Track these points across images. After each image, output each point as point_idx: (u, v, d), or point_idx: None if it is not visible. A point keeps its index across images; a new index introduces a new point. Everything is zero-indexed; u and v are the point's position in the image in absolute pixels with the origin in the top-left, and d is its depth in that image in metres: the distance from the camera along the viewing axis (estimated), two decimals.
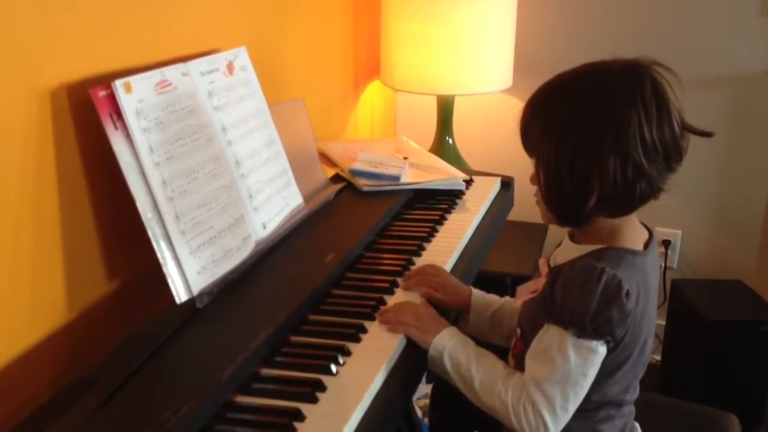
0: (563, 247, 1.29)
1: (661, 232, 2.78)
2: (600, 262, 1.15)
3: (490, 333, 1.43)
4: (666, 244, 2.77)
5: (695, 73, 2.59)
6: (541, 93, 1.22)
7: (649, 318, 1.22)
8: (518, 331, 1.31)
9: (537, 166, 1.23)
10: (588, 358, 1.14)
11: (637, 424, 1.35)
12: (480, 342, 1.30)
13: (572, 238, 1.27)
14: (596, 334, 1.13)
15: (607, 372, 1.19)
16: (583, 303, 1.12)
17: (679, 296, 2.58)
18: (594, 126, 1.14)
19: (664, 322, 2.73)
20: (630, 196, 1.16)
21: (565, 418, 1.16)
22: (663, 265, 2.78)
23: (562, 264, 1.22)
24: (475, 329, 1.44)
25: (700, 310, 2.44)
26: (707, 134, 1.19)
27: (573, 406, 1.16)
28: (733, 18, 2.53)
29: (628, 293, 1.13)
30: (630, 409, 1.31)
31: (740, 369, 2.42)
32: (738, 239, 2.73)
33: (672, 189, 1.20)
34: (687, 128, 1.17)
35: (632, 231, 1.23)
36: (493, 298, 1.47)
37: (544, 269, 1.30)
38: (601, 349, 1.15)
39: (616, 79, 1.15)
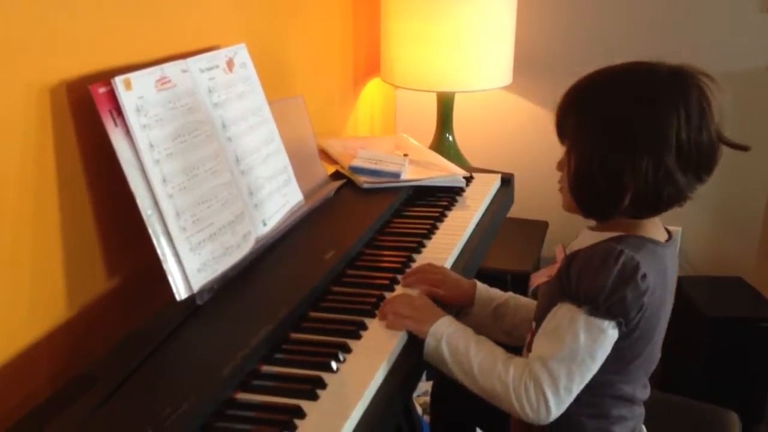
0: (581, 237, 1.29)
1: None
2: (620, 244, 1.16)
3: (491, 327, 1.43)
4: None
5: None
6: (585, 83, 1.22)
7: (665, 313, 1.23)
8: (533, 324, 1.30)
9: (569, 153, 1.23)
10: (598, 339, 1.14)
11: (644, 428, 1.34)
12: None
13: (593, 228, 1.28)
14: (609, 314, 1.13)
15: (624, 361, 1.19)
16: (598, 281, 1.13)
17: (680, 293, 2.56)
18: (633, 125, 1.14)
19: None
20: (656, 199, 1.17)
21: (567, 400, 1.15)
22: None
23: (580, 249, 1.22)
24: (476, 322, 1.44)
25: (700, 307, 2.44)
26: (743, 148, 1.20)
27: (577, 388, 1.15)
28: (733, 14, 2.53)
29: (644, 276, 1.13)
30: (641, 411, 1.31)
31: (740, 366, 2.42)
32: (738, 236, 2.73)
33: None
34: (724, 141, 1.18)
35: (654, 227, 1.24)
36: (497, 292, 1.47)
37: (560, 255, 1.29)
38: (612, 332, 1.15)
39: (663, 82, 1.16)
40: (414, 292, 1.39)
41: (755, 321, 2.39)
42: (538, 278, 1.31)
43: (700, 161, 1.16)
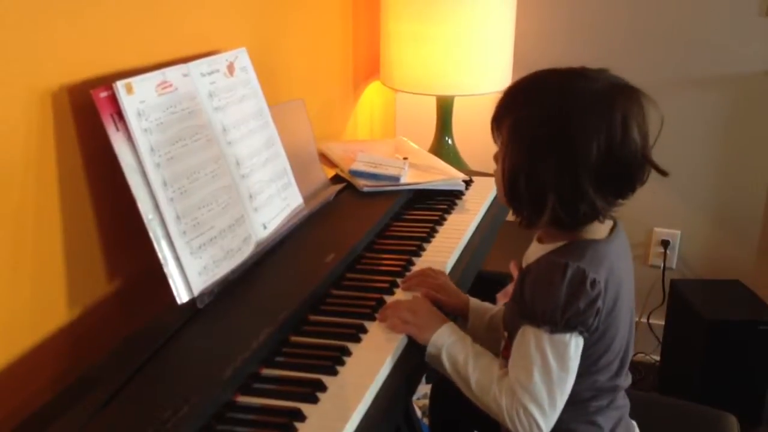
0: (531, 249, 1.31)
1: (660, 232, 2.78)
2: (563, 257, 1.17)
3: (486, 337, 1.43)
4: (665, 244, 2.78)
5: (694, 72, 2.59)
6: (521, 87, 1.23)
7: (625, 303, 1.23)
8: (505, 334, 1.31)
9: (501, 156, 1.23)
10: (566, 353, 1.16)
11: (634, 423, 1.35)
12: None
13: (539, 239, 1.30)
14: (568, 327, 1.15)
15: (591, 361, 1.21)
16: (551, 299, 1.15)
17: (678, 296, 2.59)
18: (560, 143, 1.15)
19: (662, 322, 2.73)
20: (573, 217, 1.18)
21: (555, 414, 1.18)
22: (662, 265, 2.79)
23: (529, 264, 1.24)
24: (472, 334, 1.44)
25: (698, 310, 2.44)
26: (662, 172, 1.19)
27: (561, 401, 1.18)
28: (732, 18, 2.53)
29: (593, 282, 1.15)
30: (624, 401, 1.32)
31: (739, 369, 2.43)
32: (736, 239, 2.73)
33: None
34: (648, 161, 1.18)
35: (595, 225, 1.23)
36: (489, 305, 1.49)
37: (515, 272, 1.32)
38: (577, 340, 1.17)
39: (592, 102, 1.15)
40: (414, 294, 1.39)
41: (753, 324, 2.39)
42: (502, 298, 1.34)
43: (621, 182, 1.17)
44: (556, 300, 1.14)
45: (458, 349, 1.25)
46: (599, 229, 1.24)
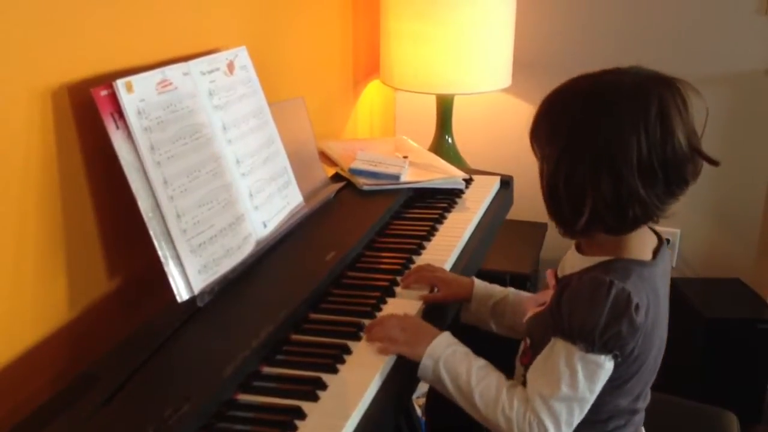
0: (570, 258, 1.27)
1: (660, 230, 2.78)
2: (608, 274, 1.12)
3: (489, 322, 1.43)
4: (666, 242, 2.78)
5: (694, 71, 2.55)
6: (555, 94, 1.19)
7: (661, 327, 1.21)
8: (527, 340, 1.28)
9: (540, 168, 1.20)
10: (596, 373, 1.13)
11: (643, 429, 1.33)
12: (478, 332, 1.29)
13: (578, 248, 1.25)
14: (605, 349, 1.11)
15: (617, 384, 1.17)
16: (591, 317, 1.10)
17: (678, 294, 2.58)
18: (594, 143, 1.11)
19: None
20: (622, 219, 1.14)
21: (569, 431, 1.14)
22: None
23: (569, 275, 1.20)
24: (476, 318, 1.44)
25: (698, 308, 2.44)
26: (714, 162, 1.15)
27: (577, 420, 1.14)
28: (731, 16, 2.53)
29: (637, 306, 1.11)
30: (640, 417, 1.29)
31: (738, 367, 2.42)
32: (736, 238, 2.73)
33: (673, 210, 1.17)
34: (696, 151, 1.13)
35: (640, 240, 1.20)
36: (495, 288, 1.46)
37: (551, 281, 1.27)
38: (609, 364, 1.13)
39: (624, 97, 1.12)
40: (412, 295, 1.39)
41: (753, 322, 2.39)
42: (532, 305, 1.29)
43: (668, 177, 1.12)
44: (597, 319, 1.10)
45: (458, 359, 1.19)
46: (644, 247, 1.20)
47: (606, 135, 1.11)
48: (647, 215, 1.14)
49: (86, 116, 1.24)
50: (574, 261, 1.24)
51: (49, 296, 1.24)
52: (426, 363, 1.20)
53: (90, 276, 1.32)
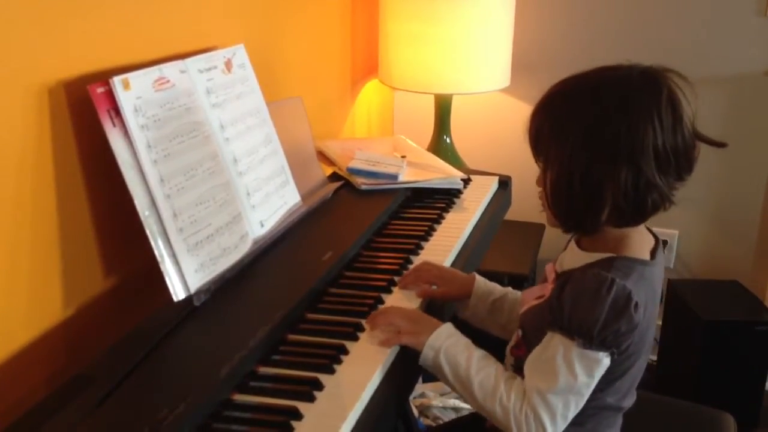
0: (570, 253, 1.27)
1: (658, 232, 2.73)
2: (610, 272, 1.13)
3: (487, 320, 1.43)
4: (663, 244, 2.77)
5: (693, 72, 2.55)
6: (555, 94, 1.19)
7: (653, 327, 1.22)
8: (519, 332, 1.29)
9: (545, 170, 1.20)
10: (593, 369, 1.14)
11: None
12: (475, 329, 1.29)
13: (579, 243, 1.25)
14: (602, 346, 1.12)
15: (608, 381, 1.18)
16: (592, 313, 1.11)
17: (676, 296, 2.59)
18: (610, 136, 1.12)
19: (660, 322, 2.73)
20: (641, 208, 1.15)
21: (563, 426, 1.15)
22: None
23: (570, 270, 1.20)
24: (473, 315, 1.44)
25: (696, 310, 2.44)
26: (720, 144, 1.18)
27: (572, 414, 1.15)
28: (731, 18, 2.53)
29: (636, 305, 1.12)
30: (620, 419, 1.31)
31: (736, 369, 2.42)
32: (734, 239, 2.73)
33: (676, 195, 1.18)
34: (699, 137, 1.16)
35: (640, 239, 1.22)
36: (495, 286, 1.46)
37: (551, 275, 1.28)
38: (606, 360, 1.14)
39: (635, 88, 1.13)
40: (411, 294, 1.39)
41: (751, 324, 2.39)
42: (529, 299, 1.29)
43: (679, 163, 1.14)
44: (597, 316, 1.11)
45: (459, 349, 1.20)
46: (643, 246, 1.22)
47: (622, 128, 1.11)
48: (664, 202, 1.16)
49: (83, 113, 1.23)
50: (574, 256, 1.24)
51: (44, 294, 1.23)
52: (427, 353, 1.21)
53: (86, 274, 1.31)
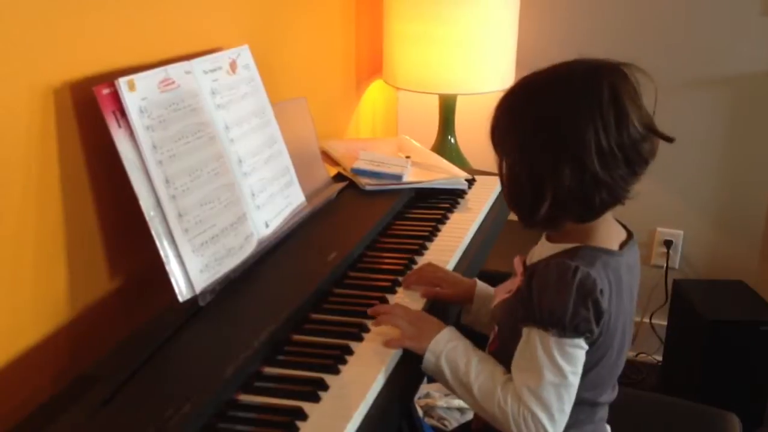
0: (539, 246, 1.29)
1: (663, 232, 2.78)
2: (573, 260, 1.15)
3: (489, 324, 1.43)
4: (668, 244, 2.77)
5: (696, 72, 2.58)
6: (511, 91, 1.22)
7: (624, 321, 1.22)
8: (495, 328, 1.31)
9: (500, 163, 1.23)
10: (574, 356, 1.14)
11: (608, 427, 1.34)
12: (477, 333, 1.29)
13: (547, 236, 1.27)
14: (576, 332, 1.13)
15: (582, 372, 1.18)
16: (559, 301, 1.13)
17: (681, 296, 2.58)
18: (551, 133, 1.14)
19: (665, 322, 2.73)
20: (589, 204, 1.16)
21: (563, 420, 1.15)
22: (665, 265, 2.78)
23: (536, 263, 1.22)
24: (475, 319, 1.44)
25: (701, 310, 2.44)
26: (669, 139, 1.18)
27: (569, 406, 1.16)
28: (733, 17, 2.53)
29: (602, 291, 1.13)
30: (602, 415, 1.30)
31: (741, 369, 2.42)
32: (739, 239, 2.73)
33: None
34: (651, 131, 1.16)
35: (607, 231, 1.22)
36: None
37: (519, 268, 1.29)
38: (585, 345, 1.15)
39: (576, 86, 1.15)
40: (415, 295, 1.39)
41: (756, 324, 2.39)
42: (501, 293, 1.31)
43: (628, 158, 1.14)
44: (565, 304, 1.12)
45: (458, 354, 1.21)
46: (610, 238, 1.22)
47: (563, 125, 1.13)
48: (614, 198, 1.17)
49: (88, 114, 1.24)
50: (542, 249, 1.26)
51: (49, 295, 1.23)
52: (428, 357, 1.22)
53: (91, 275, 1.31)
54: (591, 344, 1.16)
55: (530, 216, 1.19)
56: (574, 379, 1.15)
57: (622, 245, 1.24)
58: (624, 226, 1.27)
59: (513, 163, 1.19)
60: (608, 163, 1.12)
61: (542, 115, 1.16)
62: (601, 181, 1.13)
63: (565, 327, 1.13)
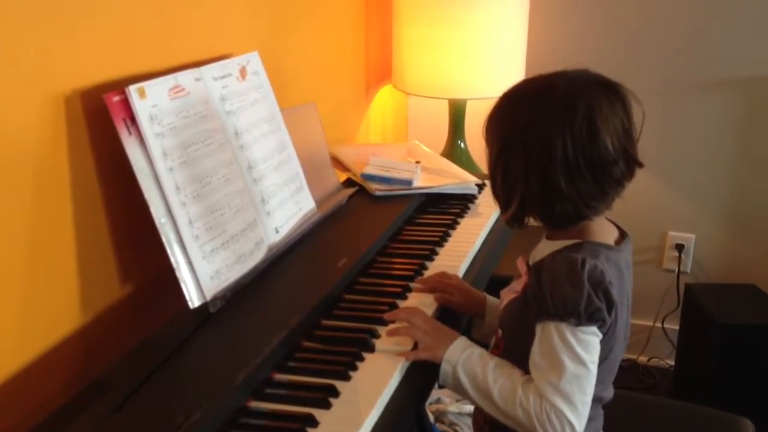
0: (540, 246, 1.30)
1: (675, 236, 2.76)
2: (579, 253, 1.17)
3: None
4: (679, 248, 2.76)
5: (709, 74, 2.57)
6: (504, 93, 1.26)
7: (624, 315, 1.23)
8: (499, 332, 1.31)
9: (487, 157, 1.27)
10: (591, 344, 1.15)
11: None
12: (487, 346, 1.29)
13: (548, 236, 1.29)
14: (591, 320, 1.14)
15: None
16: (573, 292, 1.13)
17: (693, 300, 2.57)
18: (524, 141, 1.17)
19: (677, 327, 2.71)
20: (549, 215, 1.20)
21: (586, 412, 1.15)
22: (677, 269, 2.77)
23: (541, 259, 1.23)
24: (487, 332, 1.44)
25: (713, 314, 2.42)
26: (639, 165, 1.20)
27: (590, 398, 1.15)
28: (746, 20, 2.51)
29: (610, 282, 1.15)
30: (602, 413, 1.31)
31: (754, 373, 2.41)
32: (751, 243, 2.71)
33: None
34: (626, 152, 1.17)
35: (601, 229, 1.25)
36: None
37: (522, 268, 1.30)
38: (599, 333, 1.16)
39: (553, 99, 1.17)
40: (427, 301, 1.39)
41: None
42: (508, 295, 1.31)
43: (596, 176, 1.16)
44: (578, 293, 1.13)
45: (474, 362, 1.21)
46: (605, 234, 1.25)
47: (534, 136, 1.17)
48: (578, 213, 1.20)
49: (99, 122, 1.24)
50: (543, 248, 1.28)
51: (61, 302, 1.24)
52: (445, 368, 1.22)
53: (102, 282, 1.32)
54: (603, 334, 1.17)
55: (503, 212, 1.25)
56: (594, 368, 1.15)
57: (617, 243, 1.26)
58: (617, 226, 1.29)
59: (494, 162, 1.23)
60: (574, 179, 1.16)
61: (518, 123, 1.19)
62: (565, 194, 1.16)
63: (580, 315, 1.13)
